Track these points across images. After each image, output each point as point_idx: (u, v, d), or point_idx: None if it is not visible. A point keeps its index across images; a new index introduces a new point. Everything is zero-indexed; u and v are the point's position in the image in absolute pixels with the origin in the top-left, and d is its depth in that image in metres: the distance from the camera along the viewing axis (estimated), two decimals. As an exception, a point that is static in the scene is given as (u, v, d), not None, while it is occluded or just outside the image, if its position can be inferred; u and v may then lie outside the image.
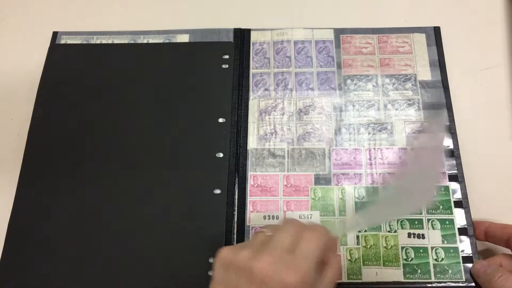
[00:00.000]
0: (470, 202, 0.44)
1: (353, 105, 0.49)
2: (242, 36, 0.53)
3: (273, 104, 0.50)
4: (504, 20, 0.54)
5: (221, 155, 0.47)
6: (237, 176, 0.47)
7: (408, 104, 0.49)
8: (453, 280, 0.42)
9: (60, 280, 0.44)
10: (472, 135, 0.48)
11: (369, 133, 0.48)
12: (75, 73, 0.52)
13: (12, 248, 0.45)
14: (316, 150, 0.47)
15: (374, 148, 0.47)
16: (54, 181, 0.47)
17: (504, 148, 0.48)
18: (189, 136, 0.48)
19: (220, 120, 0.49)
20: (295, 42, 0.52)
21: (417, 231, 0.43)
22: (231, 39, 0.53)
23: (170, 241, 0.44)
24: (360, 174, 0.46)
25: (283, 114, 0.49)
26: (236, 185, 0.47)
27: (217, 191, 0.46)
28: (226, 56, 0.52)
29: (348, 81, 0.50)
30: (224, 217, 0.45)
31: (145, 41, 0.54)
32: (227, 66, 0.51)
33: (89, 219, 0.45)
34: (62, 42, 0.54)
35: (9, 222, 0.46)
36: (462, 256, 0.42)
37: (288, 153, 0.47)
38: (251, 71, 0.51)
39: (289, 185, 0.46)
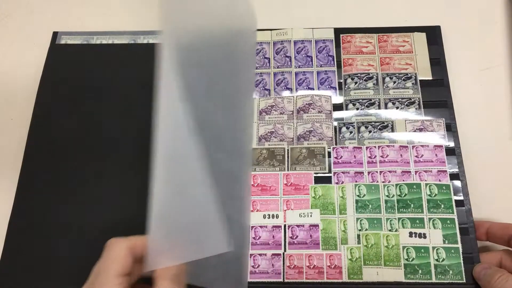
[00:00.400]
0: (471, 201, 0.44)
1: (353, 104, 0.49)
2: (242, 36, 0.53)
3: (273, 104, 0.50)
4: (504, 20, 0.54)
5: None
6: (237, 176, 0.47)
7: (409, 102, 0.49)
8: (454, 281, 0.41)
9: (60, 280, 0.43)
10: (472, 135, 0.48)
11: (369, 132, 0.48)
12: (75, 73, 0.52)
13: (12, 248, 0.45)
14: (316, 148, 0.47)
15: (375, 147, 0.47)
16: (54, 181, 0.47)
17: (504, 148, 0.48)
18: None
19: (220, 120, 0.49)
20: (295, 42, 0.52)
21: (418, 230, 0.43)
22: (231, 39, 0.53)
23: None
24: (361, 172, 0.46)
25: (283, 113, 0.49)
26: (236, 185, 0.47)
27: (218, 191, 0.46)
28: (226, 56, 0.52)
29: (349, 80, 0.50)
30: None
31: (145, 41, 0.54)
32: (227, 66, 0.51)
33: (89, 219, 0.45)
34: (62, 42, 0.54)
35: (9, 222, 0.46)
36: (463, 257, 0.42)
37: (288, 152, 0.47)
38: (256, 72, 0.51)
39: (289, 184, 0.46)
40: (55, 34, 0.54)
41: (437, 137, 0.47)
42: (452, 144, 0.46)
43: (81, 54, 0.53)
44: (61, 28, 0.55)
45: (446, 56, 0.51)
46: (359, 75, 0.50)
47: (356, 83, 0.50)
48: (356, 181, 0.46)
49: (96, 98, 0.51)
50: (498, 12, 0.55)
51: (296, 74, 0.51)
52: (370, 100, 0.49)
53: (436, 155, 0.46)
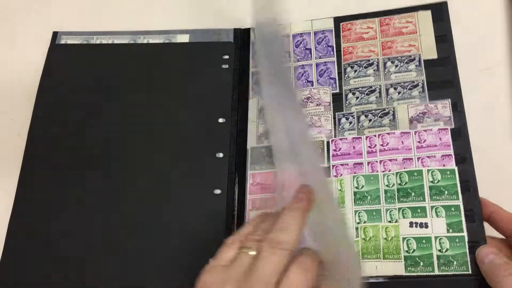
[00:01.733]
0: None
1: (353, 93, 0.47)
2: (242, 36, 0.53)
3: None
4: (504, 20, 0.54)
5: (221, 155, 0.47)
6: (237, 176, 0.47)
7: (411, 86, 0.46)
8: (458, 273, 0.38)
9: (61, 280, 0.43)
10: (472, 135, 0.48)
11: (369, 121, 0.45)
12: (75, 73, 0.52)
13: (12, 248, 0.45)
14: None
15: (375, 135, 0.44)
16: (54, 181, 0.47)
17: (504, 148, 0.48)
18: (189, 136, 0.48)
19: (220, 120, 0.49)
20: (294, 36, 0.51)
21: (419, 220, 0.40)
22: (231, 39, 0.53)
23: (170, 241, 0.44)
24: (360, 163, 0.44)
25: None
26: (236, 185, 0.46)
27: (217, 191, 0.46)
28: (226, 56, 0.51)
29: (348, 69, 0.48)
30: (224, 217, 0.45)
31: (145, 41, 0.54)
32: (227, 66, 0.51)
33: (89, 219, 0.45)
34: (62, 42, 0.54)
35: (9, 222, 0.46)
36: (469, 246, 0.38)
37: (291, 150, 0.46)
38: (251, 69, 0.51)
39: (289, 181, 0.45)
40: (55, 34, 0.55)
41: (442, 120, 0.44)
42: (456, 125, 0.43)
43: (81, 54, 0.53)
44: (61, 28, 0.55)
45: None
46: (358, 62, 0.48)
47: (355, 71, 0.48)
48: (355, 173, 0.43)
49: (96, 98, 0.51)
50: (498, 12, 0.55)
51: (295, 68, 0.49)
52: (371, 87, 0.47)
53: (440, 138, 0.43)
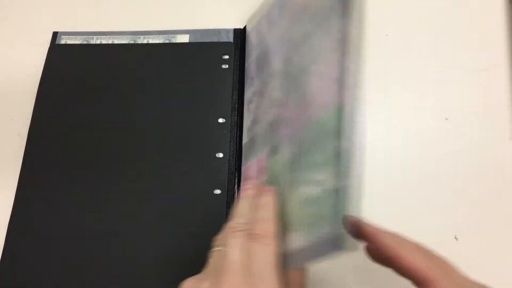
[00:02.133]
0: (469, 205, 0.43)
1: (295, 47, 0.37)
2: (242, 36, 0.53)
3: (254, 90, 0.46)
4: (504, 20, 0.54)
5: (221, 155, 0.47)
6: (237, 176, 0.47)
7: None
8: (333, 231, 0.27)
9: (60, 280, 0.43)
10: (472, 136, 0.48)
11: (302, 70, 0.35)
12: (75, 73, 0.52)
13: (12, 248, 0.45)
14: (272, 120, 0.40)
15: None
16: (54, 181, 0.47)
17: (504, 148, 0.48)
18: (189, 136, 0.48)
19: (220, 120, 0.49)
20: (267, 11, 0.46)
21: (312, 177, 0.31)
22: (231, 39, 0.53)
23: (170, 242, 0.44)
24: (293, 127, 0.35)
25: (260, 96, 0.44)
26: (236, 185, 0.46)
27: (217, 191, 0.46)
28: (226, 56, 0.52)
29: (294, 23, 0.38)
30: (224, 217, 0.45)
31: (145, 41, 0.54)
32: (227, 66, 0.51)
33: (89, 219, 0.45)
34: (62, 42, 0.54)
35: (9, 222, 0.46)
36: (339, 195, 0.27)
37: (260, 135, 0.43)
38: (246, 66, 0.50)
39: (259, 168, 0.41)
40: (55, 34, 0.54)
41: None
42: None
43: (81, 54, 0.53)
44: (61, 28, 0.55)
45: (445, 57, 0.49)
46: (297, 8, 0.38)
47: (295, 18, 0.38)
48: (289, 141, 0.35)
49: (96, 98, 0.51)
50: (498, 12, 0.55)
51: (268, 46, 0.44)
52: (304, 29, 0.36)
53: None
